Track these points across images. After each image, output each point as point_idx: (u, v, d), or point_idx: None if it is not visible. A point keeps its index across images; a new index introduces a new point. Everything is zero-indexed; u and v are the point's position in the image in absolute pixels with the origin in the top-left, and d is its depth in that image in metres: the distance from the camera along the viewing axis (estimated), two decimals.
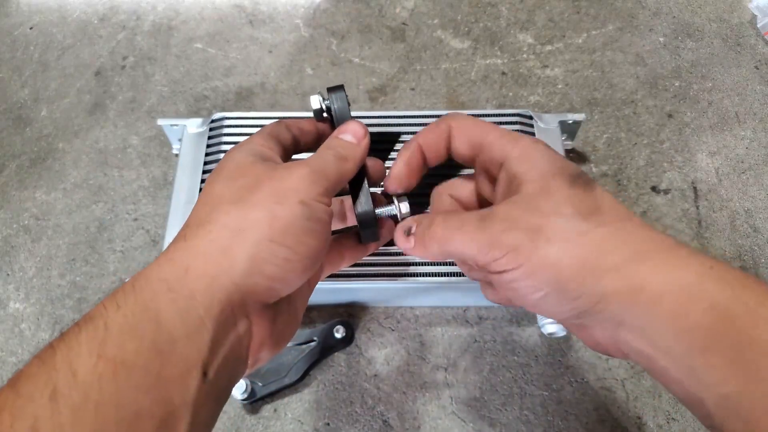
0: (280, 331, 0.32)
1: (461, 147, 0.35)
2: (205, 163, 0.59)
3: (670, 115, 0.69)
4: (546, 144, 0.32)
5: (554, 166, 0.31)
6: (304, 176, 0.31)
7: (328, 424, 0.53)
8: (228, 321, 0.27)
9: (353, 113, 0.62)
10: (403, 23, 0.78)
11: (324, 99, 0.37)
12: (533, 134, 0.59)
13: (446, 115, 0.36)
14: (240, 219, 0.29)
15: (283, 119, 0.38)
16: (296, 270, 0.30)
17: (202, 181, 0.57)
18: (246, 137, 0.62)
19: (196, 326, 0.26)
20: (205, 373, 0.26)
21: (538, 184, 0.30)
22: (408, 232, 0.34)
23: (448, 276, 0.52)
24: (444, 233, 0.32)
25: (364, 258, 0.53)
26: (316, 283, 0.37)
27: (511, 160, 0.32)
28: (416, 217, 0.35)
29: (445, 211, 0.36)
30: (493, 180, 0.34)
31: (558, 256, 0.28)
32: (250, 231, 0.28)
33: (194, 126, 0.61)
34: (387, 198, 0.37)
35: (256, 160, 0.32)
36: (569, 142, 0.65)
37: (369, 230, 0.36)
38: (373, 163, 0.37)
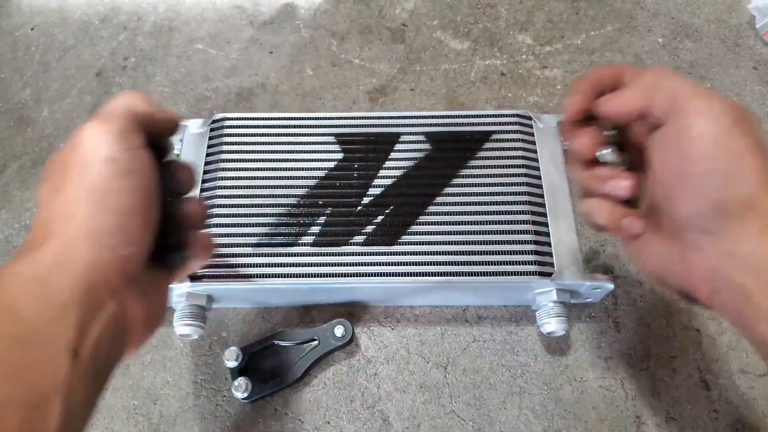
0: (152, 311, 0.33)
1: (606, 82, 0.38)
2: (206, 164, 0.59)
3: None
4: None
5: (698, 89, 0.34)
6: (95, 131, 0.31)
7: (329, 422, 0.53)
8: (94, 302, 0.29)
9: (354, 113, 0.62)
10: (403, 24, 0.78)
11: None
12: (532, 135, 0.60)
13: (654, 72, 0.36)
14: (63, 205, 0.30)
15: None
16: (134, 230, 0.30)
17: (203, 181, 0.58)
18: (246, 137, 0.63)
19: (57, 311, 0.27)
20: (76, 354, 0.27)
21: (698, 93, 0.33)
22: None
23: (447, 276, 0.52)
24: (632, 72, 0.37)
25: (365, 256, 0.53)
26: (173, 278, 0.37)
27: (653, 78, 0.35)
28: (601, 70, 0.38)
29: None
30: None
31: (744, 143, 0.31)
32: (75, 213, 0.29)
33: (195, 126, 0.61)
34: None
35: (65, 148, 0.32)
36: (568, 143, 0.65)
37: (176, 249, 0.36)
38: (181, 171, 0.37)
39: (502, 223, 0.54)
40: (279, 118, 0.61)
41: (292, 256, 0.54)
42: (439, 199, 0.56)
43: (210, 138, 0.60)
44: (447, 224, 0.55)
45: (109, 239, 0.29)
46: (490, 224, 0.54)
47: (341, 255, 0.53)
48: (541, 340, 0.56)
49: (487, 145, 0.59)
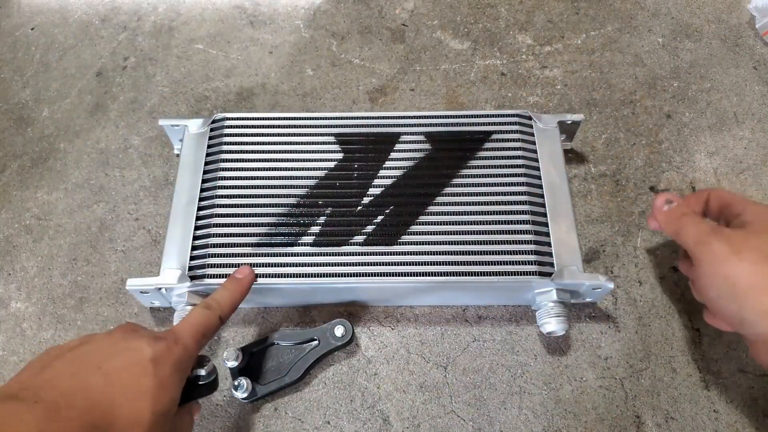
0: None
1: (714, 204, 0.51)
2: (206, 164, 0.59)
3: (668, 116, 0.69)
4: None
5: None
6: (162, 364, 0.40)
7: (329, 422, 0.53)
8: None
9: (354, 113, 0.63)
10: (403, 24, 0.78)
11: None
12: (532, 134, 0.60)
13: (707, 189, 0.52)
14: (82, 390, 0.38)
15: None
16: None
17: (203, 181, 0.58)
18: (246, 137, 0.63)
19: None
20: None
21: (758, 227, 0.45)
22: (669, 203, 0.50)
23: (447, 276, 0.52)
24: (685, 219, 0.48)
25: (365, 256, 0.54)
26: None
27: (748, 213, 0.47)
28: (679, 200, 0.51)
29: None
30: (727, 225, 0.49)
31: (738, 272, 0.43)
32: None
33: (195, 126, 0.61)
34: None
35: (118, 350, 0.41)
36: (568, 143, 0.65)
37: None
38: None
39: (502, 223, 0.54)
40: (279, 118, 0.61)
41: (292, 256, 0.54)
42: (439, 199, 0.56)
43: (210, 138, 0.60)
44: (447, 224, 0.55)
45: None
46: (490, 224, 0.54)
47: (341, 255, 0.53)
48: (541, 340, 0.56)
49: (487, 145, 0.59)
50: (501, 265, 0.52)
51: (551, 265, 0.53)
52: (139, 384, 0.37)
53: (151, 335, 0.41)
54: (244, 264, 0.53)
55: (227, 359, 0.52)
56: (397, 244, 0.54)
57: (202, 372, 0.45)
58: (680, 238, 0.49)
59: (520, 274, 0.52)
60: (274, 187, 0.57)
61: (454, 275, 0.52)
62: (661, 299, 0.58)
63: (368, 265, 0.53)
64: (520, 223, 0.54)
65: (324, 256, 0.54)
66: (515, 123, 0.60)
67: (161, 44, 0.78)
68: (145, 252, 0.62)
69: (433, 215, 0.55)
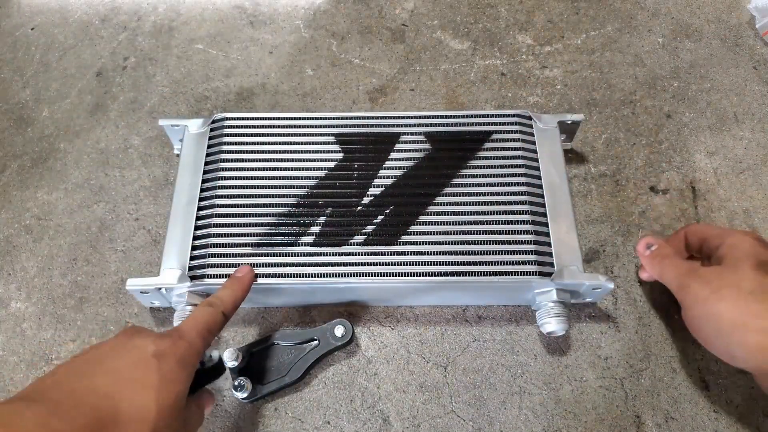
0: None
1: (693, 240, 0.52)
2: (206, 164, 0.59)
3: (668, 116, 0.69)
4: (754, 235, 0.48)
5: (749, 252, 0.45)
6: (166, 361, 0.41)
7: (329, 422, 0.53)
8: None
9: (354, 113, 0.63)
10: (403, 24, 0.78)
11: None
12: (532, 134, 0.60)
13: (683, 226, 0.55)
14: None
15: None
16: None
17: (203, 181, 0.58)
18: (246, 137, 0.63)
19: None
20: None
21: (732, 262, 0.45)
22: (649, 246, 0.52)
23: (447, 276, 0.52)
24: (666, 262, 0.50)
25: (365, 256, 0.54)
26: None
27: (724, 246, 0.47)
28: (659, 242, 0.52)
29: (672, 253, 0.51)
30: (708, 259, 0.50)
31: (720, 311, 0.44)
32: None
33: (195, 126, 0.61)
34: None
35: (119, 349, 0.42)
36: (568, 143, 0.65)
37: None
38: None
39: (502, 223, 0.54)
40: (279, 118, 0.61)
41: (292, 256, 0.54)
42: (439, 199, 0.56)
43: (210, 138, 0.60)
44: (447, 224, 0.55)
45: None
46: (490, 224, 0.54)
47: (341, 255, 0.53)
48: (541, 340, 0.56)
49: (487, 145, 0.59)
50: (501, 265, 0.52)
51: (551, 265, 0.53)
52: (144, 379, 0.37)
53: (155, 334, 0.42)
54: (244, 264, 0.53)
55: (227, 359, 0.52)
56: (397, 244, 0.54)
57: (205, 356, 0.46)
58: (664, 281, 0.51)
59: (520, 274, 0.52)
60: (274, 187, 0.57)
61: (454, 275, 0.52)
62: (661, 299, 0.58)
63: (368, 265, 0.53)
64: (520, 223, 0.54)
65: (324, 256, 0.54)
66: (515, 123, 0.60)
67: (161, 44, 0.78)
68: (145, 252, 0.62)
69: (433, 215, 0.55)
